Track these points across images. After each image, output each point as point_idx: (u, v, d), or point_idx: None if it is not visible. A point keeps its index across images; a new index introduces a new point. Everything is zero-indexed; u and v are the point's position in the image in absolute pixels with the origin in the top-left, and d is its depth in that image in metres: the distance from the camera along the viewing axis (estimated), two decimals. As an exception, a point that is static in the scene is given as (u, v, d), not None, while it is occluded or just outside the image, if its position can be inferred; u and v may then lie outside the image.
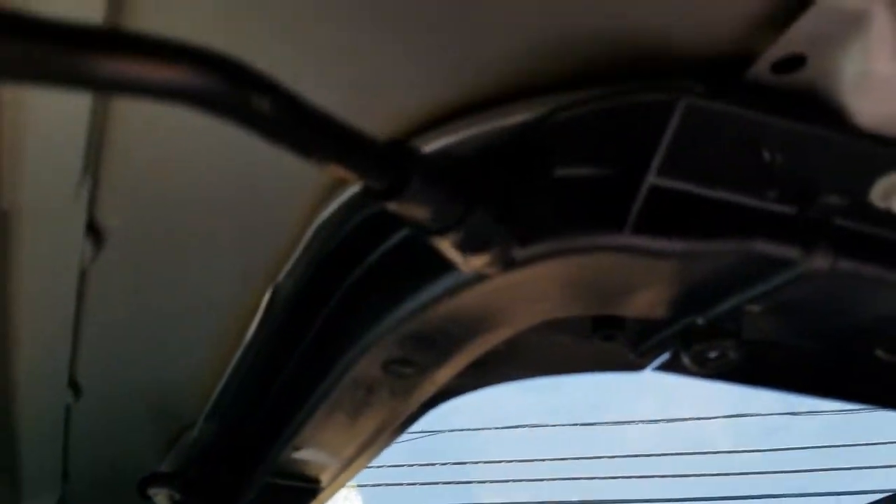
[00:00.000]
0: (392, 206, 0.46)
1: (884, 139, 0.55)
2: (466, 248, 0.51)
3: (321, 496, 0.93)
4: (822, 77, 0.53)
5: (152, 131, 0.57)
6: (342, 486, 0.95)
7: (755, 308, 0.61)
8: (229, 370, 0.85)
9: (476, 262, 0.52)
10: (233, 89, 0.34)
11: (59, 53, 0.29)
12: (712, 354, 0.65)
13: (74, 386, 0.90)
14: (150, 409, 1.00)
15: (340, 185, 0.62)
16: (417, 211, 0.47)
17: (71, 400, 0.92)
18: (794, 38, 0.52)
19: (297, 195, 0.64)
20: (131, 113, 0.55)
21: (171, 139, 0.59)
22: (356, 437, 0.80)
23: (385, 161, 0.44)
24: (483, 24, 0.51)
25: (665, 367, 0.72)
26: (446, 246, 0.51)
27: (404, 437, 0.98)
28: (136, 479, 1.07)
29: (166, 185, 0.63)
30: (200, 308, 0.81)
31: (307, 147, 0.39)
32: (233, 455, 0.98)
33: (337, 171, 0.42)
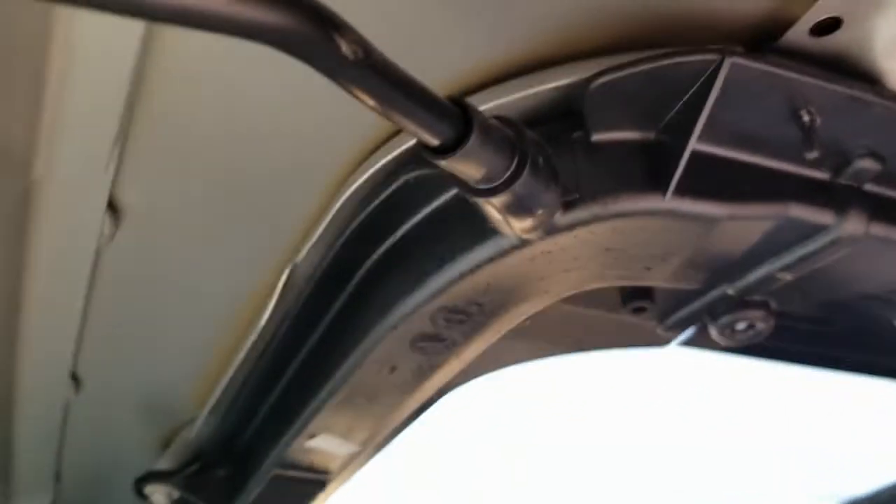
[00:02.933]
0: (446, 164, 0.45)
1: (917, 103, 0.56)
2: (513, 210, 0.50)
3: (329, 487, 0.92)
4: (857, 40, 0.54)
5: (182, 103, 0.56)
6: (350, 476, 0.93)
7: (787, 276, 0.61)
8: (239, 359, 0.83)
9: (520, 226, 0.52)
10: (319, 30, 0.33)
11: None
12: (741, 326, 0.65)
13: (75, 378, 0.88)
14: (149, 404, 0.97)
15: (369, 155, 0.61)
16: (471, 169, 0.46)
17: (71, 394, 0.89)
18: (831, 1, 0.53)
19: (325, 169, 0.63)
20: (164, 81, 0.53)
21: (200, 112, 0.57)
22: (373, 420, 0.78)
23: (446, 116, 0.43)
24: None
25: (690, 343, 0.72)
26: (493, 208, 0.50)
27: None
28: (131, 478, 1.05)
29: (191, 160, 0.61)
30: (213, 295, 0.79)
31: (379, 96, 0.38)
32: (236, 448, 0.96)
33: (401, 122, 0.41)
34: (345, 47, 0.34)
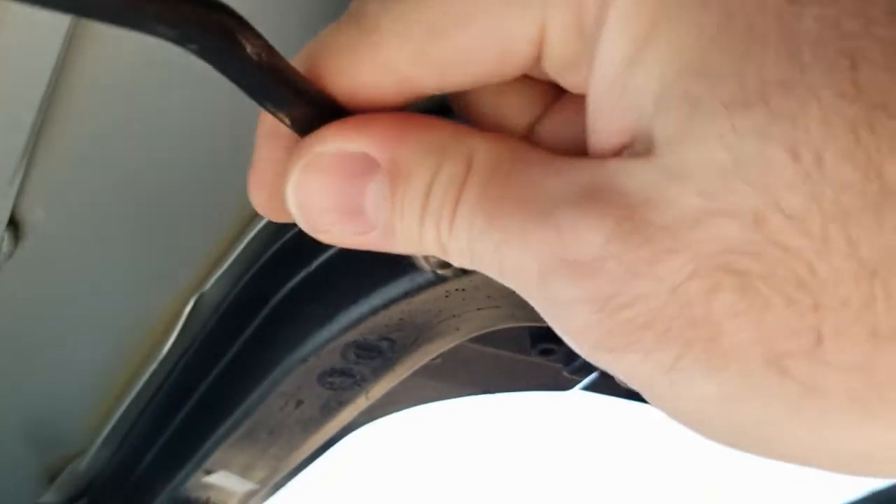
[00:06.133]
0: None
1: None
2: None
3: (224, 527, 0.89)
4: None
5: (95, 120, 0.55)
6: (248, 516, 0.90)
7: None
8: (136, 389, 0.81)
9: (434, 260, 0.52)
10: (226, 30, 0.32)
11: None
12: (643, 371, 0.67)
13: (-43, 404, 0.83)
14: (37, 434, 0.92)
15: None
16: None
17: (-50, 421, 0.85)
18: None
19: (239, 196, 0.62)
20: (78, 98, 0.52)
21: (113, 131, 0.56)
22: (273, 457, 0.77)
23: None
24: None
25: (592, 388, 0.73)
26: None
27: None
28: (10, 515, 0.99)
29: (100, 180, 0.60)
30: (112, 321, 0.76)
31: (284, 103, 0.36)
32: (129, 483, 0.92)
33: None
34: (250, 48, 0.33)
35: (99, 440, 0.88)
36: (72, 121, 0.54)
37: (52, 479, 0.99)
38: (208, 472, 0.78)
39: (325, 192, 0.31)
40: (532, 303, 0.31)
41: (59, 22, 0.45)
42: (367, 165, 0.30)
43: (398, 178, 0.30)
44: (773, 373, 0.25)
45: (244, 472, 0.79)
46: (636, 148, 0.27)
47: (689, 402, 0.27)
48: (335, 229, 0.32)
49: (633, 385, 0.29)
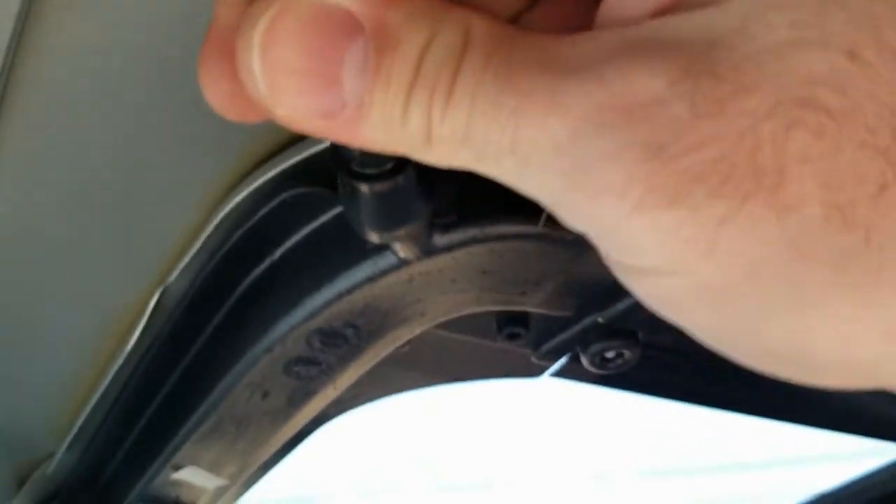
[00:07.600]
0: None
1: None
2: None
3: (195, 525, 0.88)
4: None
5: (52, 109, 0.54)
6: (219, 513, 0.90)
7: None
8: (102, 387, 0.80)
9: (390, 235, 0.51)
10: None
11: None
12: (610, 354, 0.67)
13: (-81, 408, 0.82)
14: (3, 438, 0.91)
15: (247, 174, 0.61)
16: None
17: (-87, 425, 0.83)
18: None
19: (201, 186, 0.62)
20: (33, 88, 0.52)
21: (71, 121, 0.56)
22: (242, 452, 0.76)
23: None
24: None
25: (561, 374, 0.73)
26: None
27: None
28: (-22, 521, 0.98)
29: (59, 172, 0.59)
30: (76, 319, 0.75)
31: None
32: (98, 483, 0.91)
33: None
34: None
35: (66, 442, 0.87)
36: (27, 115, 0.53)
37: (20, 483, 0.98)
38: (177, 469, 0.77)
39: (296, 51, 0.26)
40: (545, 185, 0.27)
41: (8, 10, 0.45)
42: (349, 26, 0.26)
43: (385, 43, 0.26)
44: (833, 222, 0.23)
45: (213, 468, 0.78)
46: (686, 5, 0.25)
47: (723, 268, 0.25)
48: (300, 101, 0.27)
49: (648, 254, 0.26)
